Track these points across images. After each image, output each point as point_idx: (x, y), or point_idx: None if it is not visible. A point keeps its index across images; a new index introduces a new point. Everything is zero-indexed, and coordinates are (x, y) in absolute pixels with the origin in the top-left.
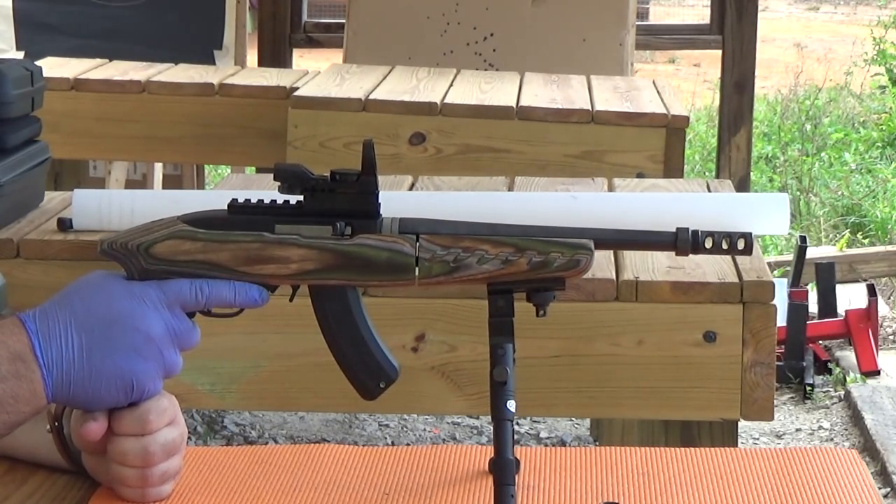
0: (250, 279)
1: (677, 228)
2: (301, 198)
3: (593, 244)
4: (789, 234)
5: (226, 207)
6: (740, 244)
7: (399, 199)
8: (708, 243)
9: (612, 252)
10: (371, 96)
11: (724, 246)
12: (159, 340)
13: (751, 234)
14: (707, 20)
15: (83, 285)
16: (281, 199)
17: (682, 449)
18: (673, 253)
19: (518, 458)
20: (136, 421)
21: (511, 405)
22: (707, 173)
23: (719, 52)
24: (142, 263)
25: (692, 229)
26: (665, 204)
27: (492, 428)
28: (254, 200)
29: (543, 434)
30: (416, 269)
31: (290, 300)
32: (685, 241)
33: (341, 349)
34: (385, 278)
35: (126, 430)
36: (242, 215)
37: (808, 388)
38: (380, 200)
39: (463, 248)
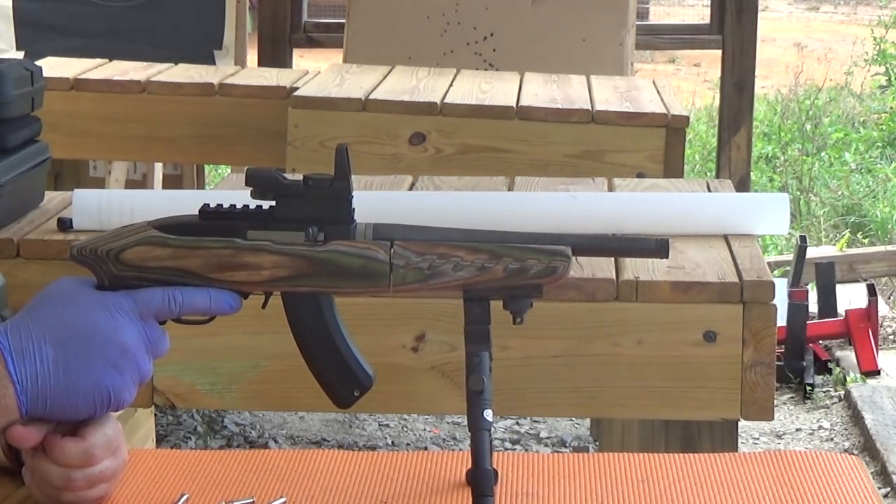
0: (222, 286)
1: (658, 238)
2: (274, 203)
3: (570, 251)
4: (789, 234)
5: (197, 213)
6: (661, 248)
7: (398, 200)
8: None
9: None
10: (371, 96)
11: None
12: (135, 351)
13: None
14: (707, 20)
15: (54, 296)
16: (254, 204)
17: (682, 455)
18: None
19: (496, 468)
20: (82, 455)
21: (488, 414)
22: (707, 173)
23: (719, 52)
24: (112, 269)
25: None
26: (665, 204)
27: (496, 428)
28: (226, 205)
29: (543, 434)
30: (390, 275)
31: (263, 307)
32: (664, 250)
33: (314, 357)
34: (359, 285)
35: (70, 462)
36: (214, 221)
37: (808, 388)
38: (354, 206)
39: (438, 255)
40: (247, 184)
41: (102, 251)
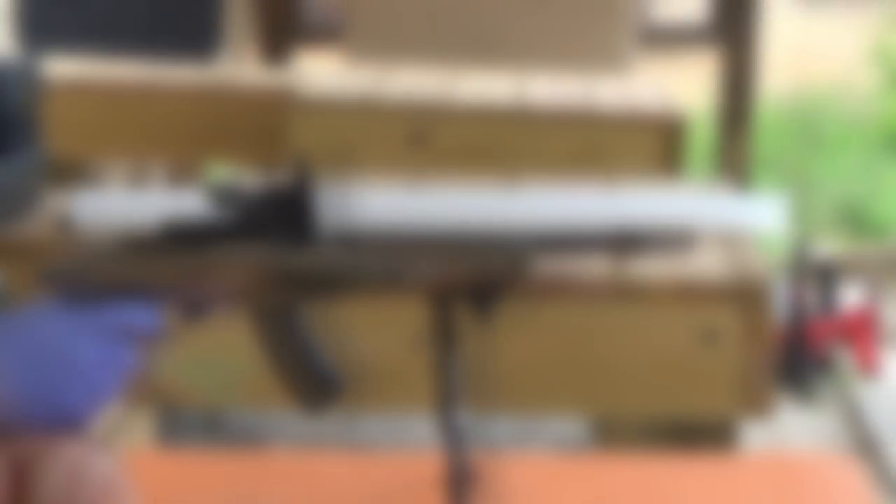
0: (189, 300)
1: (622, 229)
2: (238, 214)
3: (537, 248)
4: (789, 234)
5: (162, 227)
6: (683, 241)
7: (398, 201)
8: (653, 242)
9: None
10: (371, 96)
11: (669, 244)
12: (98, 369)
13: (691, 230)
14: (707, 20)
15: (19, 314)
16: (218, 216)
17: (681, 455)
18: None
19: (476, 468)
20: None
21: (461, 415)
22: (707, 173)
23: (719, 52)
24: (79, 288)
25: (637, 228)
26: (665, 204)
27: (496, 428)
28: (190, 219)
29: (543, 434)
30: (358, 281)
31: (231, 319)
32: (631, 242)
33: (284, 366)
34: (326, 292)
35: None
36: (179, 235)
37: (809, 388)
38: (318, 213)
39: (405, 258)
40: (210, 196)
41: (69, 271)
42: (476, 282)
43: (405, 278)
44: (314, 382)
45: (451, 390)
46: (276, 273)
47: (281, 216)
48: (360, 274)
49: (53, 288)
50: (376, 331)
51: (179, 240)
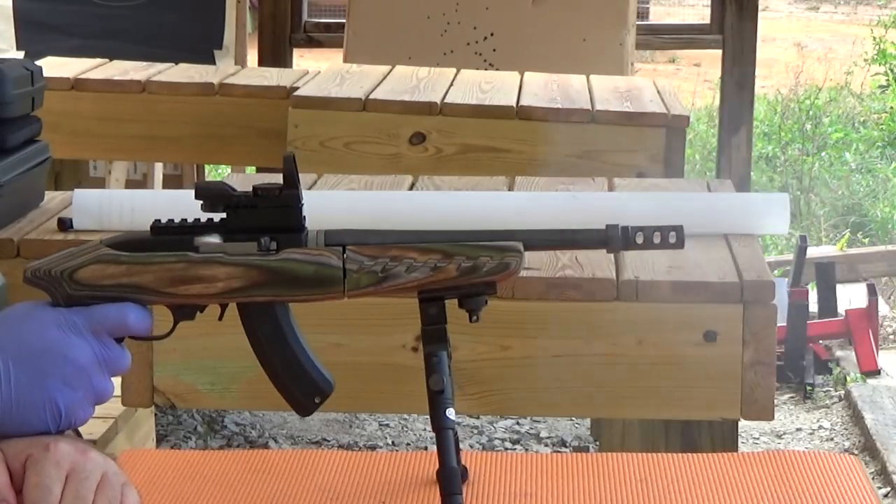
0: (177, 300)
1: (607, 226)
2: (224, 215)
3: (522, 246)
4: (789, 233)
5: (156, 228)
6: (672, 238)
7: (401, 200)
8: (639, 239)
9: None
10: (371, 96)
11: (656, 241)
12: (88, 369)
13: (682, 227)
14: (707, 20)
15: (10, 315)
16: (205, 217)
17: (681, 455)
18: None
19: (465, 465)
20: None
21: (450, 413)
22: (707, 173)
23: (719, 51)
24: (66, 290)
25: (622, 225)
26: (665, 203)
27: (496, 428)
28: (177, 220)
29: (543, 434)
30: (344, 281)
31: (220, 319)
32: (616, 239)
33: (273, 366)
34: (313, 292)
35: None
36: (166, 236)
37: (808, 388)
38: (304, 213)
39: (391, 258)
40: (196, 197)
41: (56, 272)
42: (466, 280)
43: (397, 278)
44: (305, 379)
45: (442, 387)
46: (265, 271)
47: (267, 214)
48: (350, 273)
49: (38, 287)
50: (376, 331)
51: (167, 240)
